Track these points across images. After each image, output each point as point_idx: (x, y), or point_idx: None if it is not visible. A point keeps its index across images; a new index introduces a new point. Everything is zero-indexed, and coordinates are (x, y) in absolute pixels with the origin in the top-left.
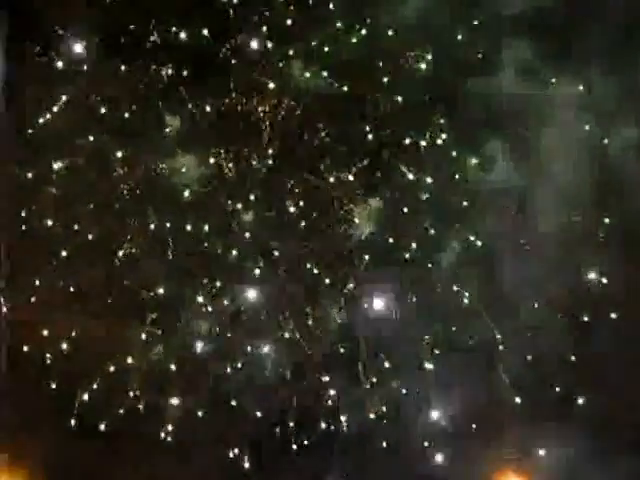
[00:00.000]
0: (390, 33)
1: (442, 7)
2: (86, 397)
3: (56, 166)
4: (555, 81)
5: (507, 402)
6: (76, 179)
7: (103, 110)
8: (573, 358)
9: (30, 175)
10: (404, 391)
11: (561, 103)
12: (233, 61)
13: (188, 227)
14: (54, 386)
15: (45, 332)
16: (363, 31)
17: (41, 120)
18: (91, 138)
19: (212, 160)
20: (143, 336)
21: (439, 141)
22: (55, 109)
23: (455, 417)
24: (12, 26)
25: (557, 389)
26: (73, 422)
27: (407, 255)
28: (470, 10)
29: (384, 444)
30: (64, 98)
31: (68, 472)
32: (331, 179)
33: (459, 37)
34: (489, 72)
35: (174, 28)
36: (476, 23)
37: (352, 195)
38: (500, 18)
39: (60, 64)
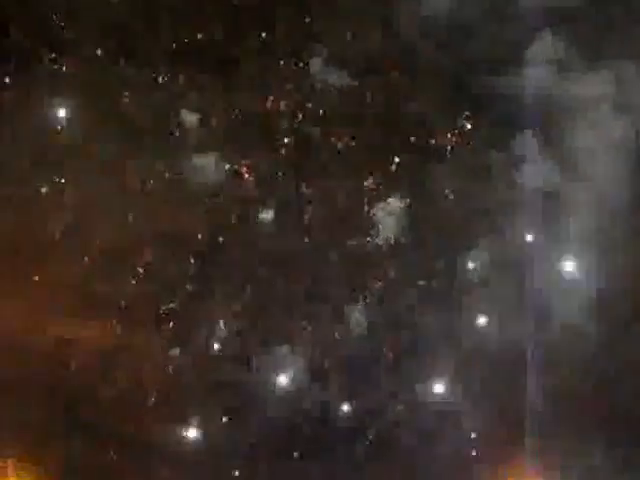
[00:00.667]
0: (415, 31)
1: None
2: (99, 404)
3: (69, 173)
4: (587, 77)
5: (536, 410)
6: (91, 186)
7: (118, 115)
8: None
9: (40, 182)
10: (428, 397)
11: (594, 99)
12: (251, 61)
13: (206, 231)
14: (66, 393)
15: (57, 339)
16: (386, 28)
17: (54, 126)
18: (106, 143)
19: (230, 164)
20: (160, 343)
21: (466, 141)
22: (68, 115)
23: (481, 423)
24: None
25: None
26: (85, 429)
27: (434, 258)
28: (498, 4)
29: (404, 449)
30: (75, 104)
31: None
32: (354, 183)
33: (487, 33)
34: (518, 69)
35: (190, 29)
36: (504, 18)
37: (375, 199)
38: (529, 12)
39: (71, 69)
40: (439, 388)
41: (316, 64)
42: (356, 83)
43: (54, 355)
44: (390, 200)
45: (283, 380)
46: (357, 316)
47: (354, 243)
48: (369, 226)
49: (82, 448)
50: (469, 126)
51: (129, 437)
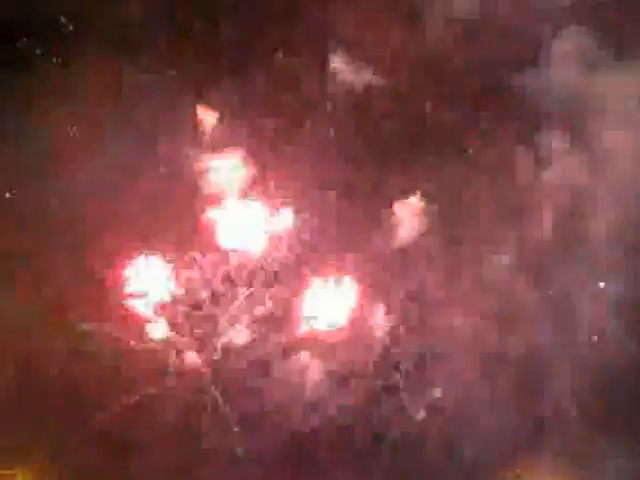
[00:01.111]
0: (439, 29)
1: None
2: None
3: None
4: (615, 74)
5: (564, 411)
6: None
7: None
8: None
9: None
10: (452, 400)
11: (622, 95)
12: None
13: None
14: (81, 404)
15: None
16: (410, 26)
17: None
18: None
19: (249, 161)
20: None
21: (492, 136)
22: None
23: (509, 427)
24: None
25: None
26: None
27: (460, 255)
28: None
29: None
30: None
31: None
32: (377, 181)
33: (512, 30)
34: (545, 64)
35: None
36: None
37: (397, 195)
38: (557, 7)
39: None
40: (461, 392)
41: (338, 61)
42: (379, 81)
43: (68, 364)
44: (414, 199)
45: (305, 386)
46: (379, 320)
47: (378, 239)
48: (393, 225)
49: (88, 458)
50: (494, 124)
51: (138, 446)
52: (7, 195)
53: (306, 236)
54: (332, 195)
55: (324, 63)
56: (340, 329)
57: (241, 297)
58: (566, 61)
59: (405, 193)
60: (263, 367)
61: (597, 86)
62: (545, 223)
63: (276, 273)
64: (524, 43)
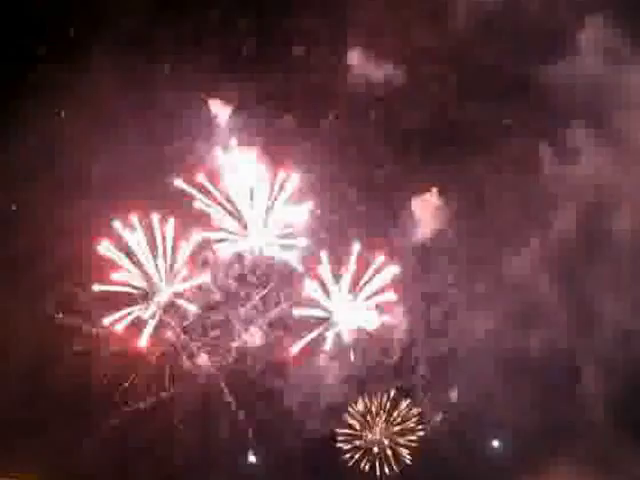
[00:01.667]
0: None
1: None
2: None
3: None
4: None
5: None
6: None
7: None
8: None
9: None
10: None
11: None
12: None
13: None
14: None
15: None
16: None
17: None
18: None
19: (264, 157)
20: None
21: (514, 132)
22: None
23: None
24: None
25: None
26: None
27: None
28: None
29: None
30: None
31: None
32: (396, 175)
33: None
34: (568, 56)
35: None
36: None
37: (414, 191)
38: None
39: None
40: (480, 394)
41: (355, 55)
42: (397, 74)
43: (77, 370)
44: (432, 194)
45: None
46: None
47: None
48: (412, 223)
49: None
50: (516, 117)
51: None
52: None
53: (323, 234)
54: (350, 192)
55: (342, 58)
56: (358, 330)
57: (256, 298)
58: (592, 52)
59: (423, 190)
60: (279, 370)
61: (622, 78)
62: (568, 221)
63: (290, 273)
64: (548, 36)
